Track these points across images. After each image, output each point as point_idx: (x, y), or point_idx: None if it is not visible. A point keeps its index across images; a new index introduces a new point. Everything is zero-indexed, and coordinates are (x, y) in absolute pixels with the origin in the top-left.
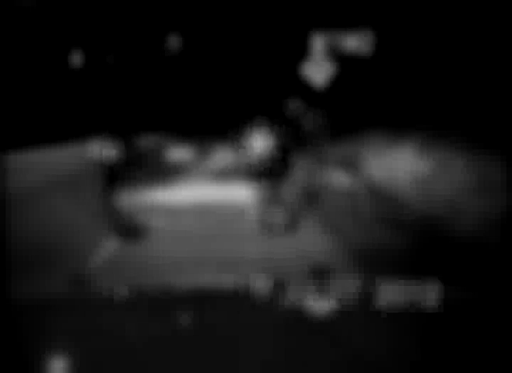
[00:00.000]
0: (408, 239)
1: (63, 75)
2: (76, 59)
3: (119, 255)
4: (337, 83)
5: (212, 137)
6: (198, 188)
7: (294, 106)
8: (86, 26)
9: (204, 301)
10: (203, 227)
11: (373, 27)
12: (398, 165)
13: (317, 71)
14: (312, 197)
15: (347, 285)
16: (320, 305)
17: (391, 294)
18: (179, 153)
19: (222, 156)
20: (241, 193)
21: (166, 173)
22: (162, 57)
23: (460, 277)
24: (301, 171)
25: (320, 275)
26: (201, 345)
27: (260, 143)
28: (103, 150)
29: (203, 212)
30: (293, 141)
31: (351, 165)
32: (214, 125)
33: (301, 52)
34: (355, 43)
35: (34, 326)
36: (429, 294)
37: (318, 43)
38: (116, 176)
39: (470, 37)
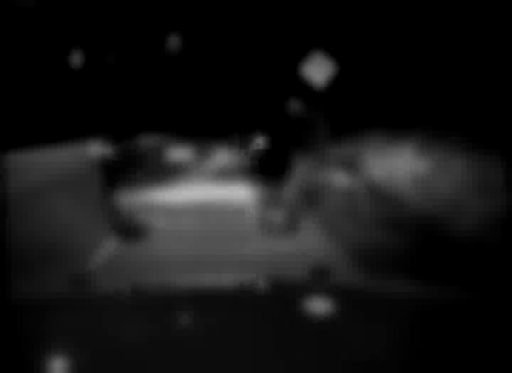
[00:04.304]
0: (407, 239)
1: (63, 75)
2: (76, 59)
3: (119, 255)
4: (337, 83)
5: (212, 137)
6: (198, 188)
7: (294, 106)
8: (86, 26)
9: (204, 301)
10: (203, 227)
11: (372, 27)
12: (398, 165)
13: (317, 71)
14: (312, 197)
15: (347, 285)
16: (320, 304)
17: (391, 293)
18: (179, 153)
19: (222, 156)
20: (241, 194)
21: (166, 173)
22: (162, 58)
23: (460, 277)
24: (301, 171)
25: (320, 275)
26: (201, 345)
27: (260, 143)
28: (102, 150)
29: (203, 212)
30: (293, 142)
31: (351, 165)
32: (214, 125)
33: (301, 52)
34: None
35: (34, 326)
36: (428, 294)
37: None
38: (116, 175)
39: (470, 37)
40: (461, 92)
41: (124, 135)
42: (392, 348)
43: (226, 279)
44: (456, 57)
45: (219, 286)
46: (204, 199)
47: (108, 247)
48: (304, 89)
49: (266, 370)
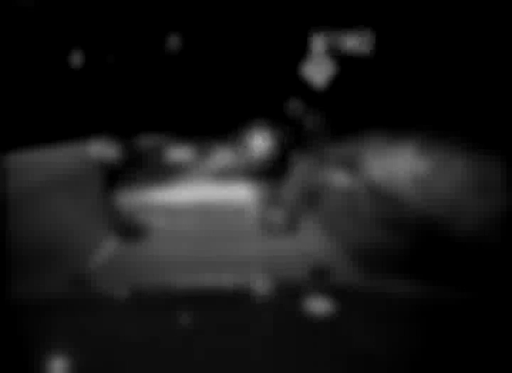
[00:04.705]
0: (407, 239)
1: (63, 75)
2: (76, 59)
3: (119, 255)
4: (337, 83)
5: (212, 137)
6: (198, 188)
7: (294, 106)
8: (86, 26)
9: (204, 301)
10: (203, 227)
11: (372, 27)
12: (398, 165)
13: (317, 71)
14: (312, 197)
15: (347, 285)
16: (320, 304)
17: (391, 293)
18: (179, 153)
19: (222, 156)
20: (241, 193)
21: (166, 173)
22: (162, 58)
23: (460, 277)
24: (301, 171)
25: (320, 275)
26: (201, 345)
27: (260, 143)
28: (103, 150)
29: (203, 212)
30: (293, 141)
31: (351, 165)
32: (214, 125)
33: (301, 52)
34: (356, 43)
35: (34, 326)
36: (428, 294)
37: (318, 43)
38: (116, 175)
39: (470, 37)
40: (460, 93)
41: (123, 135)
42: (392, 348)
43: (225, 279)
44: (456, 58)
45: (219, 286)
46: (204, 199)
47: (108, 247)
48: (304, 89)
49: (266, 370)
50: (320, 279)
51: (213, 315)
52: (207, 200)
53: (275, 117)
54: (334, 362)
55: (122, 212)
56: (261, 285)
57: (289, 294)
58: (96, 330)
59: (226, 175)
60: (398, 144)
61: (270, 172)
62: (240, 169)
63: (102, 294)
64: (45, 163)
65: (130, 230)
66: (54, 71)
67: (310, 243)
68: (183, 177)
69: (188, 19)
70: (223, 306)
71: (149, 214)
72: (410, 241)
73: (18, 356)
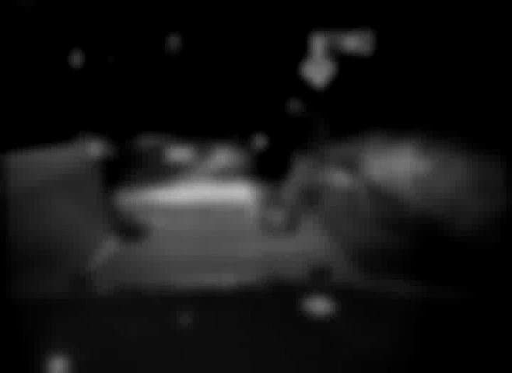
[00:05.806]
0: (407, 239)
1: (63, 75)
2: (76, 59)
3: (119, 255)
4: (337, 83)
5: (212, 137)
6: (198, 188)
7: (294, 106)
8: (86, 26)
9: (204, 301)
10: (203, 227)
11: (373, 27)
12: (398, 165)
13: (317, 71)
14: (312, 197)
15: (347, 285)
16: (320, 304)
17: (391, 293)
18: (179, 153)
19: (222, 156)
20: (241, 193)
21: (166, 173)
22: (162, 58)
23: (460, 277)
24: (301, 171)
25: (320, 275)
26: (201, 345)
27: (260, 143)
28: (103, 150)
29: (203, 212)
30: (293, 141)
31: (351, 165)
32: (214, 125)
33: (301, 52)
34: (355, 43)
35: (34, 326)
36: (428, 293)
37: (318, 43)
38: (116, 175)
39: (470, 38)
40: (460, 92)
41: (124, 135)
42: (392, 348)
43: (226, 279)
44: (456, 58)
45: (219, 286)
46: (204, 199)
47: (108, 247)
48: (304, 89)
49: (266, 370)
50: (320, 279)
51: (213, 315)
52: (207, 200)
53: (274, 118)
54: (335, 362)
55: (122, 212)
56: (261, 285)
57: (289, 294)
58: (96, 330)
59: (225, 175)
60: (398, 144)
61: (270, 173)
62: (240, 169)
63: (102, 294)
64: (45, 163)
65: (130, 230)
66: (54, 71)
67: (310, 243)
68: (183, 177)
69: (188, 19)
70: (223, 306)
71: (149, 214)
72: (410, 241)
73: (18, 356)
